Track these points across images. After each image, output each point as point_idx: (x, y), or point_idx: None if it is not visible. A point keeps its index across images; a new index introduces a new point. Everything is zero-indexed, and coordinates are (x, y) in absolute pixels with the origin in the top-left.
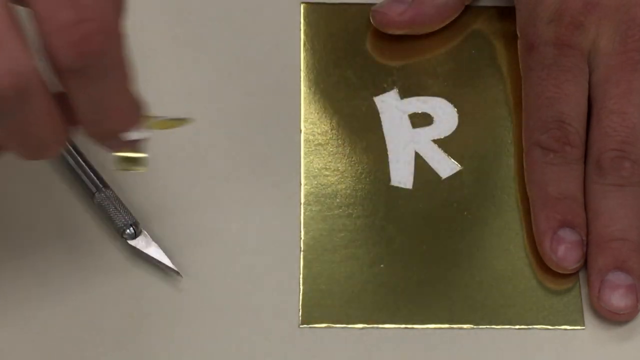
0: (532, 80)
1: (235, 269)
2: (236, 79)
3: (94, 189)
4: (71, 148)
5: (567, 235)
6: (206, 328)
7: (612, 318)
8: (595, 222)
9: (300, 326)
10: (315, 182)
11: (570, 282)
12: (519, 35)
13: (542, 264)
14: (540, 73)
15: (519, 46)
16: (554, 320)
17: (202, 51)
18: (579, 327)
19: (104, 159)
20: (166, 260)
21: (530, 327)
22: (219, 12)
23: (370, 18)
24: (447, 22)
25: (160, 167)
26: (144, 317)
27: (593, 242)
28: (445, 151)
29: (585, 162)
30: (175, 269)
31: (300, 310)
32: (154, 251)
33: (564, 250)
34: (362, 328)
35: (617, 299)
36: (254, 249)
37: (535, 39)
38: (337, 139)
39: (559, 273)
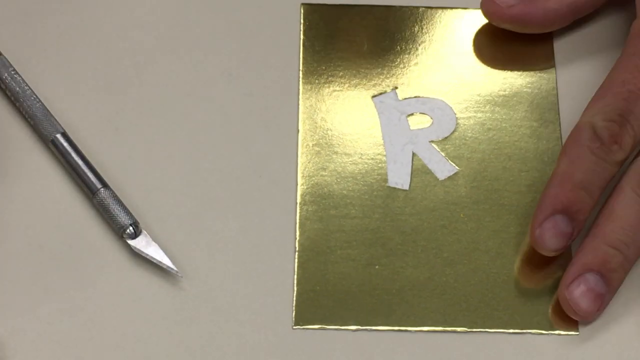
0: (626, 65)
1: (231, 269)
2: (235, 79)
3: (94, 189)
4: (71, 148)
5: (561, 223)
6: (203, 328)
7: (567, 311)
8: (606, 221)
9: (294, 327)
10: (312, 182)
11: None
12: (637, 15)
13: (538, 269)
14: (638, 62)
15: (633, 25)
16: (548, 325)
17: (201, 51)
18: (573, 333)
19: (104, 159)
20: (166, 260)
21: (524, 331)
22: (219, 12)
23: (480, 5)
24: (552, 29)
25: (159, 167)
26: (144, 317)
27: (593, 236)
28: (443, 152)
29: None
30: (175, 269)
31: (294, 311)
32: (154, 251)
33: (551, 235)
34: (356, 330)
35: (583, 300)
36: (249, 249)
37: None
38: (335, 139)
39: (557, 278)
